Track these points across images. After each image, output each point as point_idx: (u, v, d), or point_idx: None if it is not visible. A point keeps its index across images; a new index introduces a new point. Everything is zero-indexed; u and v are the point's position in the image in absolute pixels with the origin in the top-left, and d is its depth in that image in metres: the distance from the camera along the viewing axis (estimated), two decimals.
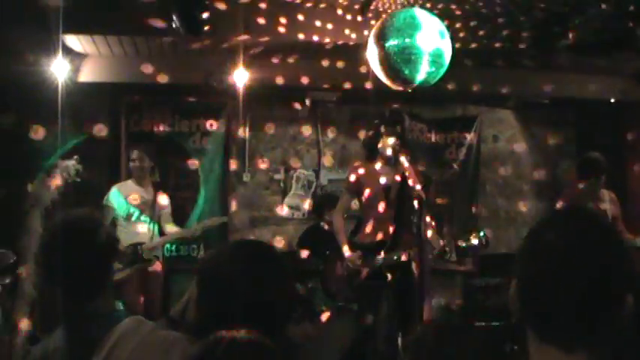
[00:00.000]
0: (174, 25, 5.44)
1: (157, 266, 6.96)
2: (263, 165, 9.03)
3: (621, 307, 1.47)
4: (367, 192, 5.94)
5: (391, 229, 5.83)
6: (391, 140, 5.81)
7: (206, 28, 5.78)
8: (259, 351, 1.62)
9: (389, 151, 5.81)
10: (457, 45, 5.88)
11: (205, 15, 5.49)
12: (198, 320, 2.03)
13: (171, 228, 7.18)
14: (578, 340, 1.47)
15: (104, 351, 2.13)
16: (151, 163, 7.18)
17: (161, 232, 7.10)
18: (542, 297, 1.49)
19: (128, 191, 7.03)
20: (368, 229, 5.93)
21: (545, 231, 1.54)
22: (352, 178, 6.06)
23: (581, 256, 1.47)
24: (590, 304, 1.46)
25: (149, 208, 6.99)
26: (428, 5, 6.33)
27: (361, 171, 6.02)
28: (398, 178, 5.77)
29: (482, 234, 5.51)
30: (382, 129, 5.92)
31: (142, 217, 6.95)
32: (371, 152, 6.03)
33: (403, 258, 5.65)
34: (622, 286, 1.49)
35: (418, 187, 5.33)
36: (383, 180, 5.89)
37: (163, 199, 7.17)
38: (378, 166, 5.93)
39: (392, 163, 5.83)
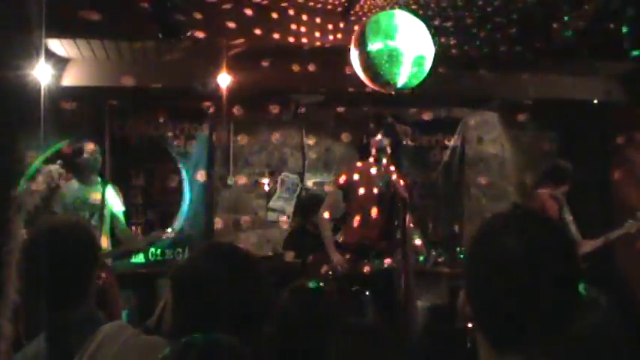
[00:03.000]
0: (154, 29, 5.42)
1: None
2: (247, 169, 9.03)
3: (575, 309, 1.48)
4: (359, 194, 5.91)
5: (379, 234, 5.84)
6: (378, 140, 5.83)
7: (190, 32, 5.76)
8: (231, 353, 1.62)
9: (379, 153, 5.82)
10: (440, 47, 5.89)
11: (184, 18, 5.47)
12: (174, 326, 2.03)
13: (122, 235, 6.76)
14: (538, 345, 1.46)
15: (86, 355, 2.12)
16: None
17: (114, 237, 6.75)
18: (502, 304, 1.47)
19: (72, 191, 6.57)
20: (355, 232, 5.92)
21: (501, 237, 1.51)
22: (345, 177, 6.03)
23: (542, 262, 1.46)
24: (552, 307, 1.46)
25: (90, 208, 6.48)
26: (410, 8, 6.34)
27: (355, 172, 6.00)
28: (389, 182, 5.79)
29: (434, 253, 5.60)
30: (369, 129, 5.94)
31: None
32: (363, 154, 6.04)
33: (389, 263, 5.67)
34: (577, 289, 1.49)
35: (403, 190, 5.37)
36: (376, 183, 5.88)
37: (112, 199, 6.67)
38: (371, 169, 5.93)
39: (382, 165, 5.84)
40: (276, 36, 6.78)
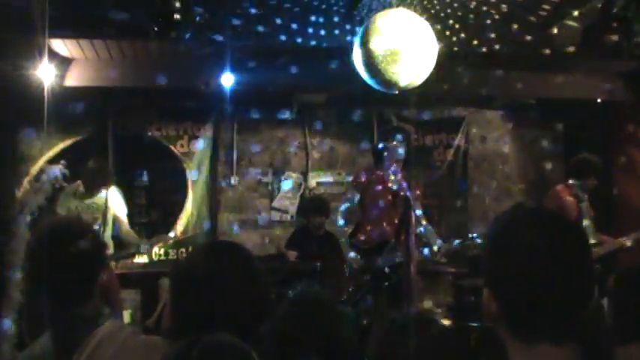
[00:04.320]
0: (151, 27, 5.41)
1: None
2: (251, 168, 9.04)
3: (591, 299, 1.55)
4: (374, 198, 6.02)
5: (392, 232, 5.93)
6: (396, 146, 5.92)
7: (190, 31, 5.76)
8: (235, 353, 1.62)
9: (395, 157, 5.90)
10: (443, 46, 5.89)
11: (180, 17, 5.47)
12: (174, 325, 2.02)
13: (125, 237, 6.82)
14: (568, 334, 1.52)
15: (84, 355, 2.12)
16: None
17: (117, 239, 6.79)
18: (531, 295, 1.51)
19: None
20: (370, 233, 6.01)
21: (523, 231, 1.56)
22: (359, 180, 6.15)
23: (564, 253, 1.52)
24: (575, 296, 1.53)
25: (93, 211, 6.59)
26: (414, 7, 6.33)
27: (368, 175, 6.11)
28: (399, 184, 5.84)
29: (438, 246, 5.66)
30: (387, 136, 6.04)
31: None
32: (378, 158, 6.14)
33: (400, 259, 5.73)
34: (594, 279, 1.56)
35: (406, 189, 5.42)
36: (389, 188, 5.96)
37: (115, 201, 6.78)
38: (384, 170, 6.00)
39: (396, 168, 5.91)
40: (279, 35, 6.78)
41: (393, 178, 5.91)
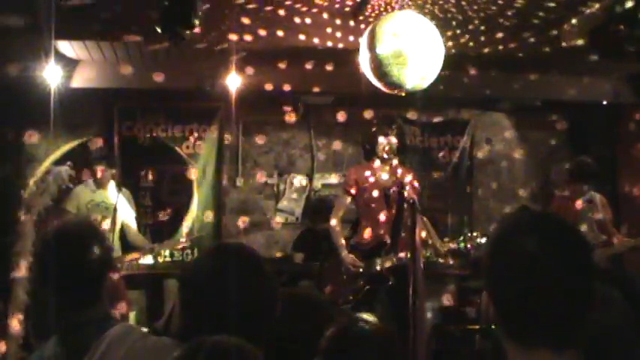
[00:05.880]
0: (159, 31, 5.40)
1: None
2: (256, 170, 9.03)
3: (593, 305, 1.53)
4: (366, 195, 5.96)
5: (390, 232, 5.88)
6: (387, 140, 5.86)
7: (198, 31, 5.75)
8: (241, 354, 1.62)
9: (385, 152, 5.86)
10: (449, 48, 5.88)
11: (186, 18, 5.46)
12: (182, 327, 2.02)
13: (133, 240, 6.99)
14: (566, 339, 1.51)
15: (94, 358, 2.12)
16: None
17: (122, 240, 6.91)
18: (530, 302, 1.51)
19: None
20: (366, 232, 5.97)
21: (520, 237, 1.56)
22: (351, 180, 6.09)
23: (564, 260, 1.51)
24: (575, 303, 1.51)
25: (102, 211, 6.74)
26: (420, 9, 6.33)
27: (360, 174, 6.05)
28: (395, 180, 5.82)
29: (461, 244, 5.62)
30: (377, 130, 5.97)
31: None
32: (368, 154, 6.08)
33: (400, 260, 5.69)
34: (594, 286, 1.54)
35: (409, 188, 5.39)
36: (382, 183, 5.92)
37: (124, 206, 6.88)
38: (376, 168, 5.97)
39: (388, 164, 5.87)
40: (285, 37, 6.78)
41: (386, 167, 5.90)
